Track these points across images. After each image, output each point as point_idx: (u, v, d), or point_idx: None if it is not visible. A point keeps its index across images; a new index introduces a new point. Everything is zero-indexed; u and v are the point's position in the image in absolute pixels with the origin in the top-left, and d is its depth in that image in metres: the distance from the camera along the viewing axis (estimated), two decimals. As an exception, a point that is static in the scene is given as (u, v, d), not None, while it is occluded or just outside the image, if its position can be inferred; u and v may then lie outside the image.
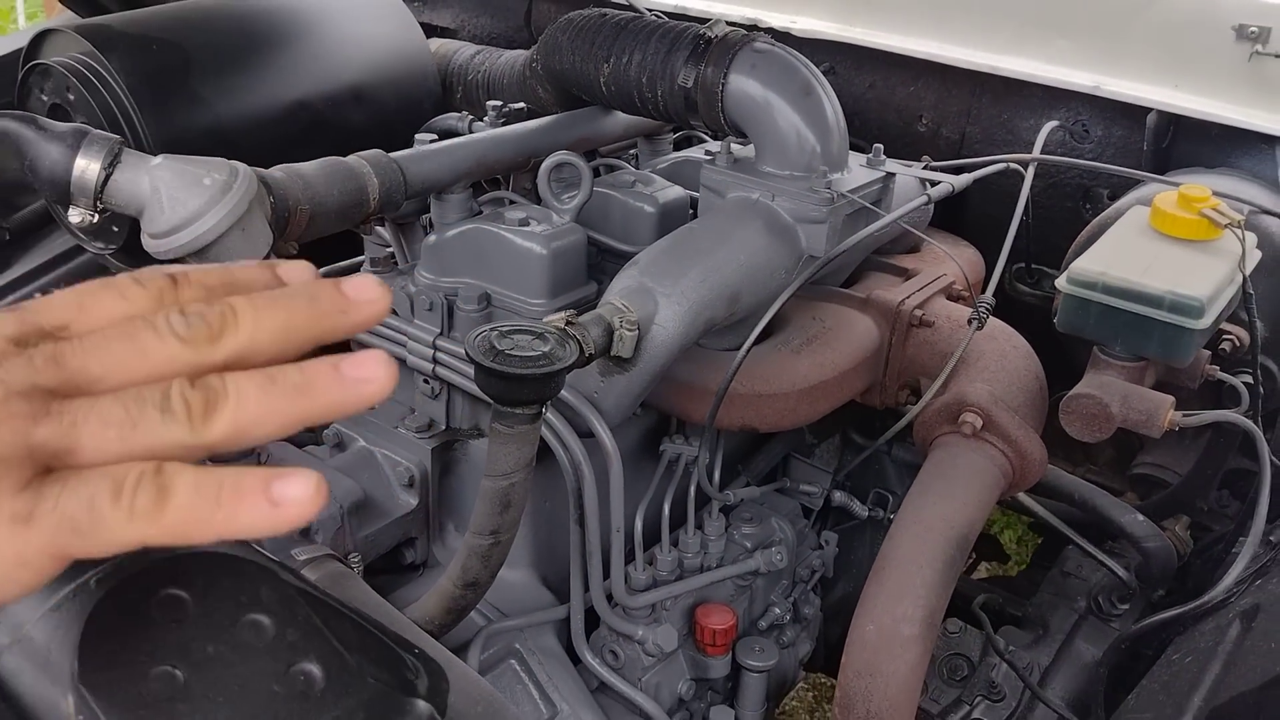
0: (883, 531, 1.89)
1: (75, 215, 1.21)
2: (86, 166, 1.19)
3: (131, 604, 0.64)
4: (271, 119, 1.96)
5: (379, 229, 1.74)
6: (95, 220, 1.22)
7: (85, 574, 0.66)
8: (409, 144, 1.58)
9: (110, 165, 1.20)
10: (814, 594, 1.92)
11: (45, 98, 1.93)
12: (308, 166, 1.38)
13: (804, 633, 1.88)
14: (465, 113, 2.04)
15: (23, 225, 2.24)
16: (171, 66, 1.86)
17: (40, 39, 1.93)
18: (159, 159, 1.21)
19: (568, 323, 1.25)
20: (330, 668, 0.66)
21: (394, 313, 1.58)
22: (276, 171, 1.34)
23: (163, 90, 1.83)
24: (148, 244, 1.22)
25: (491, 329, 1.20)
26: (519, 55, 2.13)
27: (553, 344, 1.20)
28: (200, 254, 1.21)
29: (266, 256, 1.26)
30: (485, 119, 1.87)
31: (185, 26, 1.94)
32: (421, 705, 0.66)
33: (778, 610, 1.78)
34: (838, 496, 1.92)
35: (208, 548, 0.71)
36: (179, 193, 1.19)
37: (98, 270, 2.15)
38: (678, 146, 2.03)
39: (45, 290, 2.18)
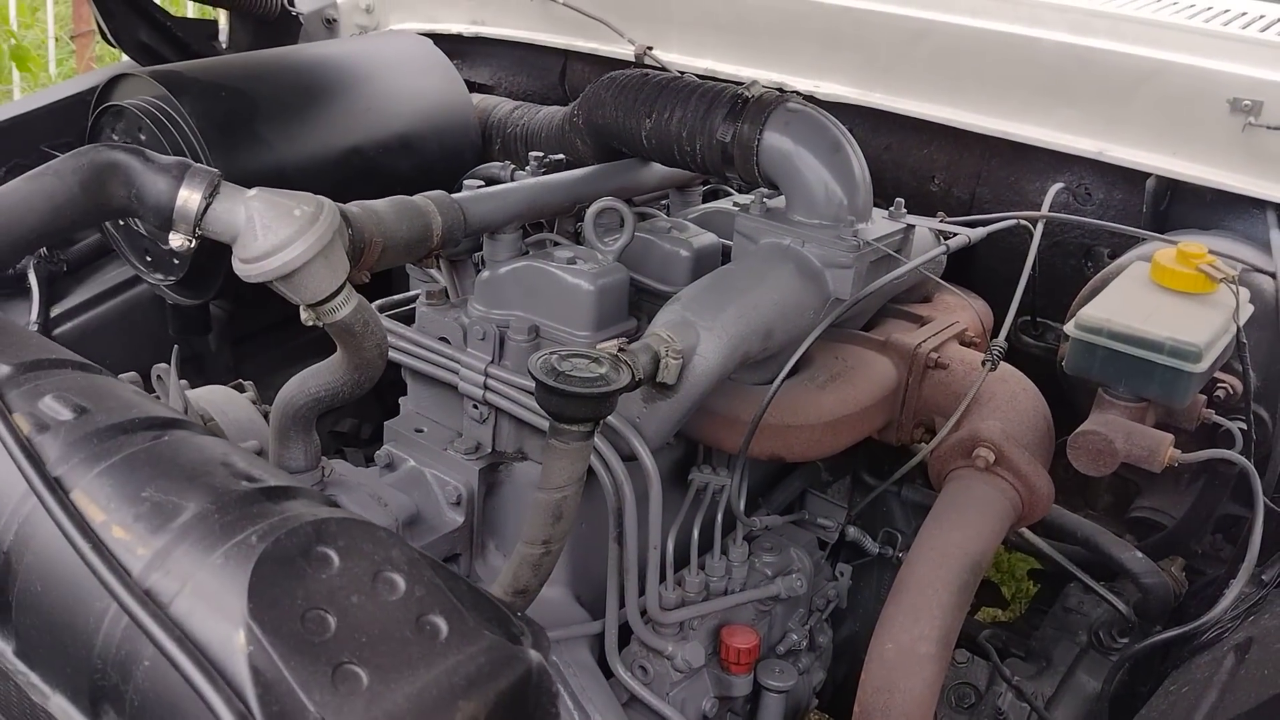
0: (890, 571, 1.99)
1: (176, 240, 1.32)
2: (189, 196, 1.30)
3: (287, 557, 0.75)
4: (328, 163, 2.09)
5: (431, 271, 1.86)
6: (192, 245, 1.33)
7: (245, 531, 0.77)
8: (451, 190, 1.70)
9: (210, 195, 1.31)
10: (827, 625, 2.01)
11: (116, 137, 2.06)
12: (380, 203, 1.50)
13: (817, 661, 1.98)
14: (507, 162, 2.17)
15: (79, 258, 2.36)
16: (239, 111, 2.00)
17: (113, 83, 2.07)
18: (254, 191, 1.33)
19: (620, 349, 1.36)
20: (452, 621, 0.77)
21: (446, 341, 1.69)
22: (353, 207, 1.45)
23: (230, 133, 1.97)
24: (239, 269, 1.33)
25: (552, 352, 1.31)
26: (557, 111, 2.26)
27: (608, 368, 1.31)
28: (287, 279, 1.32)
29: (343, 284, 1.38)
30: (527, 169, 2.00)
31: (251, 75, 2.08)
32: (533, 654, 0.77)
33: (794, 636, 1.88)
34: (851, 532, 2.02)
35: (347, 514, 0.81)
36: (272, 222, 1.30)
37: (152, 301, 2.27)
38: (706, 199, 2.16)
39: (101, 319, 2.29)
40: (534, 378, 1.28)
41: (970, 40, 2.03)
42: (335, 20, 2.91)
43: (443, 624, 0.76)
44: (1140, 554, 1.82)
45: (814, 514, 1.99)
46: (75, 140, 2.46)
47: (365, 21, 2.94)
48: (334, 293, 1.36)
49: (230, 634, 0.70)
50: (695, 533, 1.70)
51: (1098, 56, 1.94)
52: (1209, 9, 2.09)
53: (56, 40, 5.68)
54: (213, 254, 2.03)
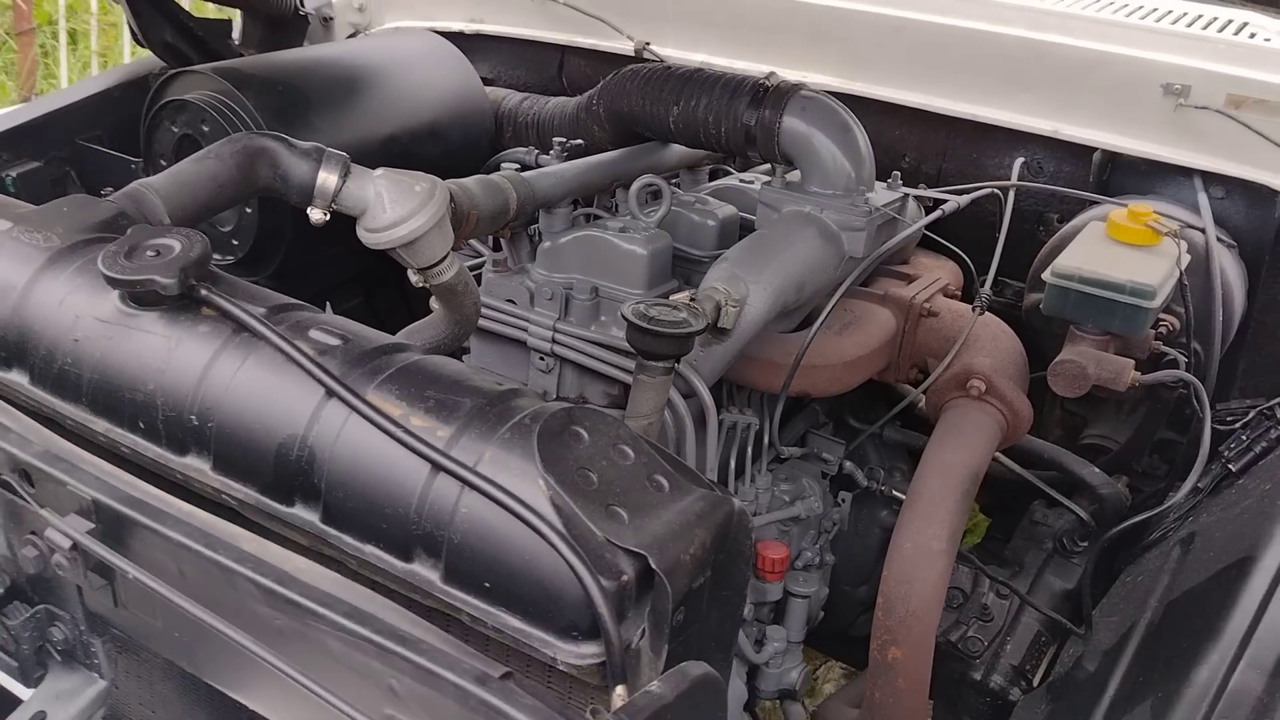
0: (864, 508, 2.30)
1: (315, 215, 1.54)
2: (327, 177, 1.52)
3: (554, 433, 1.00)
4: (371, 150, 2.31)
5: (472, 241, 2.09)
6: (326, 218, 1.55)
7: (516, 416, 1.01)
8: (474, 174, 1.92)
9: (344, 175, 1.53)
10: (830, 546, 2.30)
11: (175, 129, 2.24)
12: (468, 181, 1.74)
13: (824, 578, 2.27)
14: (531, 148, 2.41)
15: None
16: (294, 104, 2.21)
17: (170, 80, 2.25)
18: (379, 171, 1.55)
19: (691, 299, 1.63)
20: (670, 479, 1.03)
21: (512, 302, 1.93)
22: (451, 184, 1.68)
23: (288, 123, 2.17)
24: (365, 238, 1.55)
25: (639, 303, 1.57)
26: (566, 101, 2.51)
27: (686, 314, 1.57)
28: (408, 246, 1.55)
29: (449, 251, 1.61)
30: (550, 153, 2.24)
31: (301, 71, 2.29)
32: (735, 501, 1.03)
33: (809, 554, 2.16)
34: (847, 465, 2.31)
35: (587, 405, 1.06)
36: (397, 197, 1.53)
37: (201, 280, 2.45)
38: (711, 177, 2.43)
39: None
40: (629, 322, 1.53)
41: (941, 35, 2.33)
42: (331, 19, 3.10)
43: (665, 481, 1.02)
44: (1097, 469, 2.15)
45: (818, 450, 2.28)
46: (104, 133, 2.63)
47: (358, 20, 3.13)
48: (442, 258, 1.59)
49: (531, 484, 0.95)
50: (733, 463, 1.97)
51: (1051, 49, 2.26)
52: (1145, 7, 2.44)
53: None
54: (273, 235, 2.24)
